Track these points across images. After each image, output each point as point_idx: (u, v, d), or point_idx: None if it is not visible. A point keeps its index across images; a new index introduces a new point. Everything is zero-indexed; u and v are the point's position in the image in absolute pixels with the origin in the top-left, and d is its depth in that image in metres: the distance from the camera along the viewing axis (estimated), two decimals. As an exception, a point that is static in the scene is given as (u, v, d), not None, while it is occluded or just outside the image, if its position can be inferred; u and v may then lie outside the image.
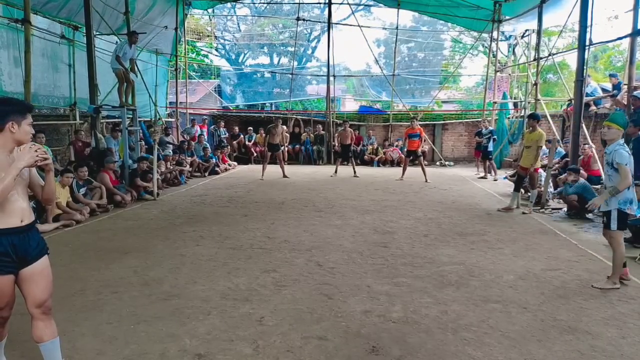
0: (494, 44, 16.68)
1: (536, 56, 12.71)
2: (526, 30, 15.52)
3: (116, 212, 7.80)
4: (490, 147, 12.79)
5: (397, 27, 17.54)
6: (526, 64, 14.60)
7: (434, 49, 20.29)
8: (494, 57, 16.92)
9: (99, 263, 4.93)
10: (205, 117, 17.81)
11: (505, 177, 11.90)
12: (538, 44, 12.67)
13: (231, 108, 19.55)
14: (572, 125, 8.94)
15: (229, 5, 19.70)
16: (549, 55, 12.41)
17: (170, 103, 16.97)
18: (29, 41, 7.32)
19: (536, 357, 3.04)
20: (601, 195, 4.40)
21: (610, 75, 10.97)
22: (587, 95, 9.97)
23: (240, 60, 23.75)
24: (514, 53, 18.15)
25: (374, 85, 19.48)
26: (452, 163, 16.81)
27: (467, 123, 17.57)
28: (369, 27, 20.98)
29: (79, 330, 3.36)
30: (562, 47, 19.00)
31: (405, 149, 12.70)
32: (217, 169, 13.46)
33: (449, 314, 3.70)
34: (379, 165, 15.99)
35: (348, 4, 17.49)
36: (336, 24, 17.80)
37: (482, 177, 12.68)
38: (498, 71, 16.64)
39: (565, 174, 8.15)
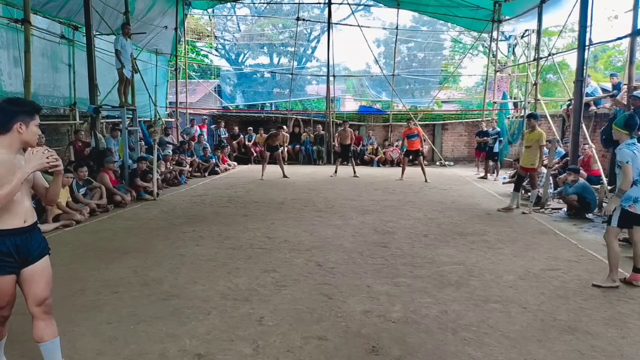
0: (493, 44, 16.69)
1: (536, 56, 12.70)
2: (526, 30, 15.52)
3: (116, 212, 7.80)
4: (497, 148, 12.83)
5: (397, 27, 17.55)
6: (526, 64, 14.59)
7: (433, 49, 20.28)
8: (493, 57, 16.92)
9: (99, 263, 4.93)
10: (205, 117, 17.80)
11: (505, 178, 11.91)
12: (538, 44, 12.66)
13: (231, 108, 19.55)
14: (572, 125, 8.94)
15: (228, 5, 19.69)
16: (549, 55, 12.40)
17: (170, 103, 16.97)
18: (29, 41, 7.32)
19: (536, 357, 3.04)
20: (611, 200, 4.39)
21: (611, 75, 10.98)
22: (587, 95, 9.97)
23: (240, 60, 23.75)
24: (513, 53, 18.15)
25: (373, 85, 19.48)
26: (452, 163, 16.82)
27: (467, 123, 17.58)
28: (368, 27, 21.01)
29: (79, 330, 3.36)
30: (562, 47, 19.03)
31: (405, 149, 12.71)
32: (217, 169, 13.46)
33: (449, 314, 3.70)
34: (378, 165, 16.00)
35: (348, 4, 17.48)
36: (336, 24, 17.82)
37: (482, 177, 12.68)
38: (498, 71, 16.64)
39: (565, 173, 8.15)
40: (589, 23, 8.69)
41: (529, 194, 8.51)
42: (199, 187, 10.79)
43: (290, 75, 18.62)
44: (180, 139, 14.54)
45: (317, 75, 20.35)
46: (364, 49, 33.34)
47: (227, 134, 16.66)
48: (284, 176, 12.33)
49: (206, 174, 12.98)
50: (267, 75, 21.57)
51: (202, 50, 23.03)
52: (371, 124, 17.75)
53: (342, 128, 13.56)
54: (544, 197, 8.34)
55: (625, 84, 8.51)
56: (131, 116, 10.11)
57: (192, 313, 3.68)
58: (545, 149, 8.90)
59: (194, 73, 21.02)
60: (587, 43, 8.81)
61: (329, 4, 16.68)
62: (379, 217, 7.45)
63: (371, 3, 19.40)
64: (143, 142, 11.61)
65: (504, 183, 10.18)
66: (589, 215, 7.50)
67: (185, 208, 8.19)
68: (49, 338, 2.55)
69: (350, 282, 4.41)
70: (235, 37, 22.47)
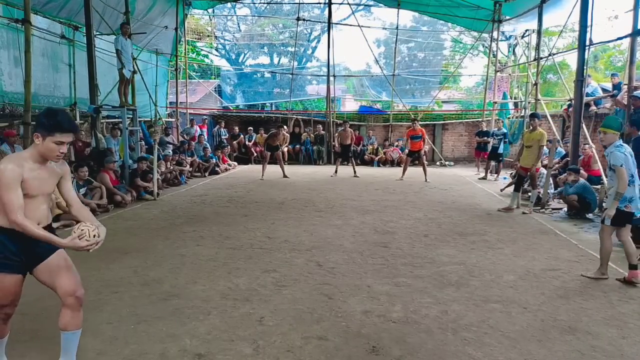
0: (494, 44, 16.68)
1: (536, 56, 12.71)
2: (526, 30, 15.52)
3: (116, 212, 7.80)
4: (501, 149, 12.82)
5: (397, 27, 17.56)
6: (526, 64, 14.60)
7: (434, 49, 20.28)
8: (494, 57, 16.91)
9: (99, 263, 4.93)
10: (205, 117, 17.81)
11: (505, 178, 11.90)
12: (538, 44, 12.66)
13: (231, 108, 19.55)
14: (572, 125, 8.94)
15: (229, 5, 19.70)
16: (549, 55, 12.41)
17: (171, 103, 16.97)
18: (29, 41, 7.31)
19: (536, 357, 3.04)
20: (612, 205, 4.42)
21: (612, 75, 10.97)
22: (587, 95, 9.97)
23: (240, 60, 23.76)
24: (514, 53, 18.14)
25: (374, 85, 19.48)
26: (452, 163, 16.82)
27: (467, 123, 17.59)
28: (369, 27, 20.98)
29: (79, 330, 3.36)
30: (562, 47, 19.00)
31: (407, 150, 12.72)
32: (217, 169, 13.46)
33: (449, 314, 3.70)
34: (379, 165, 16.00)
35: (348, 4, 17.49)
36: (336, 24, 17.83)
37: (482, 178, 12.68)
38: (498, 71, 16.64)
39: (565, 174, 8.15)
40: (589, 23, 8.69)
41: (529, 194, 8.51)
42: (199, 187, 10.79)
43: (290, 75, 18.63)
44: (181, 139, 14.55)
45: (318, 75, 20.35)
46: (364, 49, 33.35)
47: (227, 134, 16.67)
48: (284, 176, 12.33)
49: (206, 174, 12.98)
50: (267, 75, 21.58)
51: (202, 50, 23.01)
52: (371, 124, 17.75)
53: (342, 128, 13.56)
54: (544, 197, 8.34)
55: (625, 84, 8.51)
56: (131, 116, 10.11)
57: (192, 313, 3.67)
58: (546, 149, 8.90)
59: (194, 73, 21.01)
60: (587, 43, 8.81)
61: (329, 4, 16.69)
62: (379, 217, 7.45)
63: (371, 3, 19.42)
64: (143, 142, 11.62)
65: (502, 190, 10.12)
66: (589, 216, 7.50)
67: (185, 208, 8.19)
68: (72, 329, 2.63)
69: (350, 282, 4.41)
70: (235, 37, 22.49)
